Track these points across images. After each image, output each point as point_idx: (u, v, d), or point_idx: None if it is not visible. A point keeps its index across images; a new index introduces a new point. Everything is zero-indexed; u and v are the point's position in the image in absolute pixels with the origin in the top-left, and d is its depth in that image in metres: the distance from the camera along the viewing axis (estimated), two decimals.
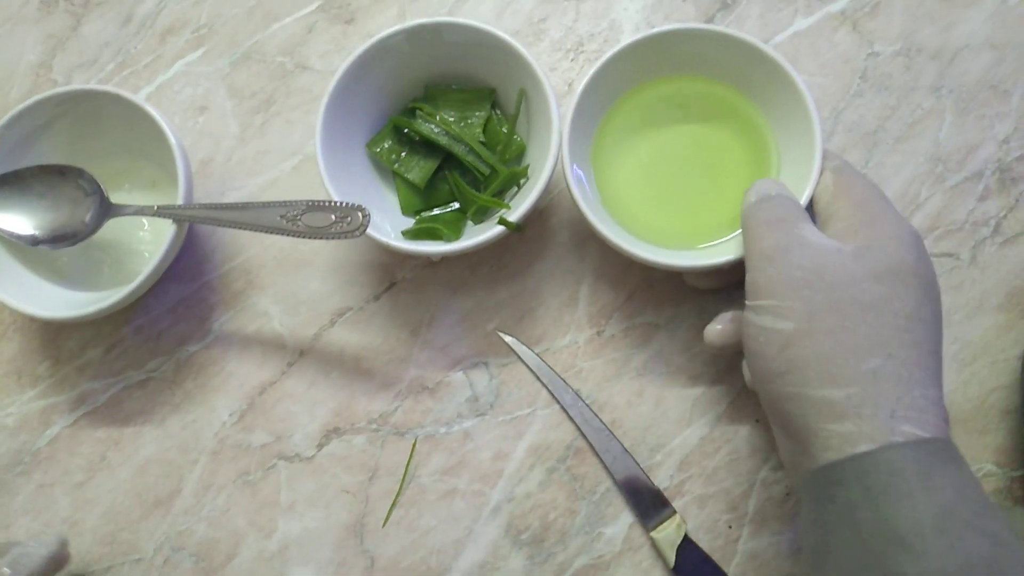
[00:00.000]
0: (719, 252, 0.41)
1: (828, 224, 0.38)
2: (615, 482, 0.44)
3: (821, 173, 0.39)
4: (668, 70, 0.45)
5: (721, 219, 0.43)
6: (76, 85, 0.47)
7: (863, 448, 0.31)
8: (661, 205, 0.44)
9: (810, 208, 0.39)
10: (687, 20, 0.51)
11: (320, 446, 0.46)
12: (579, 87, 0.42)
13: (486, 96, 0.47)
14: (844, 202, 0.38)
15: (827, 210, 0.38)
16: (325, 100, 0.43)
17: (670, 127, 0.45)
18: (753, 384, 0.37)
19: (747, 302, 0.36)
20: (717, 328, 0.41)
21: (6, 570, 0.40)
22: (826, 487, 0.32)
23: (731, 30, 0.42)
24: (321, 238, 0.41)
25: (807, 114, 0.41)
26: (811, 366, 0.33)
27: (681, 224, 0.44)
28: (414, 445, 0.46)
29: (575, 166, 0.42)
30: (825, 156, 0.40)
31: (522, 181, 0.46)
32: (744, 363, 0.40)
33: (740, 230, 0.42)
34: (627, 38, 0.43)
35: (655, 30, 0.43)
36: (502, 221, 0.42)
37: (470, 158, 0.46)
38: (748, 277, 0.36)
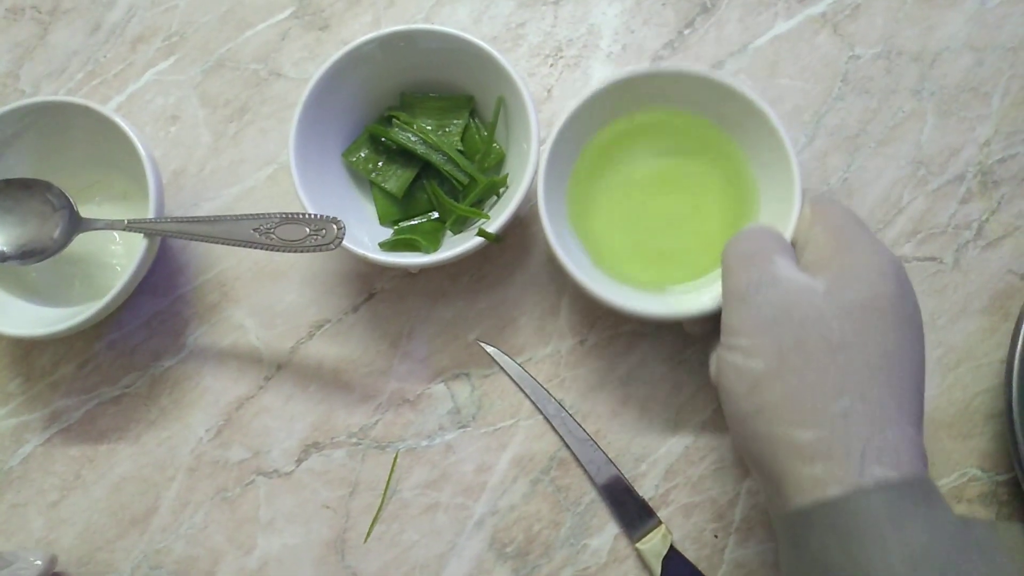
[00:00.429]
0: (700, 295, 0.41)
1: (804, 252, 0.37)
2: (600, 493, 0.44)
3: (801, 208, 0.39)
4: (644, 104, 0.43)
5: (702, 257, 0.43)
6: (42, 96, 0.46)
7: (833, 492, 0.30)
8: (640, 245, 0.44)
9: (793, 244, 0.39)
10: (666, 24, 0.50)
11: (299, 461, 0.46)
12: (554, 130, 0.41)
13: (464, 104, 0.46)
14: (820, 228, 0.37)
15: (804, 238, 0.37)
16: (298, 110, 0.42)
17: (648, 161, 0.44)
18: (727, 424, 0.37)
19: (721, 339, 0.36)
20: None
21: None
22: (799, 530, 0.32)
23: (701, 69, 0.41)
24: (295, 251, 0.40)
25: (784, 152, 0.40)
26: (781, 406, 0.32)
27: (661, 264, 0.43)
28: (395, 459, 0.45)
29: (549, 207, 0.41)
30: (805, 193, 0.39)
31: (501, 190, 0.45)
32: (712, 357, 0.39)
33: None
34: (596, 83, 0.42)
35: (626, 73, 0.41)
36: (481, 233, 0.41)
37: (448, 167, 0.45)
38: (723, 315, 0.36)
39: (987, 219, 0.46)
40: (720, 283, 0.37)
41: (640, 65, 0.41)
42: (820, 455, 0.31)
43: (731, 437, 0.36)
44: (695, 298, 0.41)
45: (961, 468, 0.44)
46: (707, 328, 0.41)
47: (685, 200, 0.44)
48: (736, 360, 0.34)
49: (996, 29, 0.49)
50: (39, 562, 0.42)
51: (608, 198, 0.44)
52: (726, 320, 0.35)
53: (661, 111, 0.44)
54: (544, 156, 0.41)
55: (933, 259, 0.46)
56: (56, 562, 0.44)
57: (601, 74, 0.50)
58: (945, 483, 0.43)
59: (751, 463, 0.35)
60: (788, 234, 0.38)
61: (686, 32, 0.50)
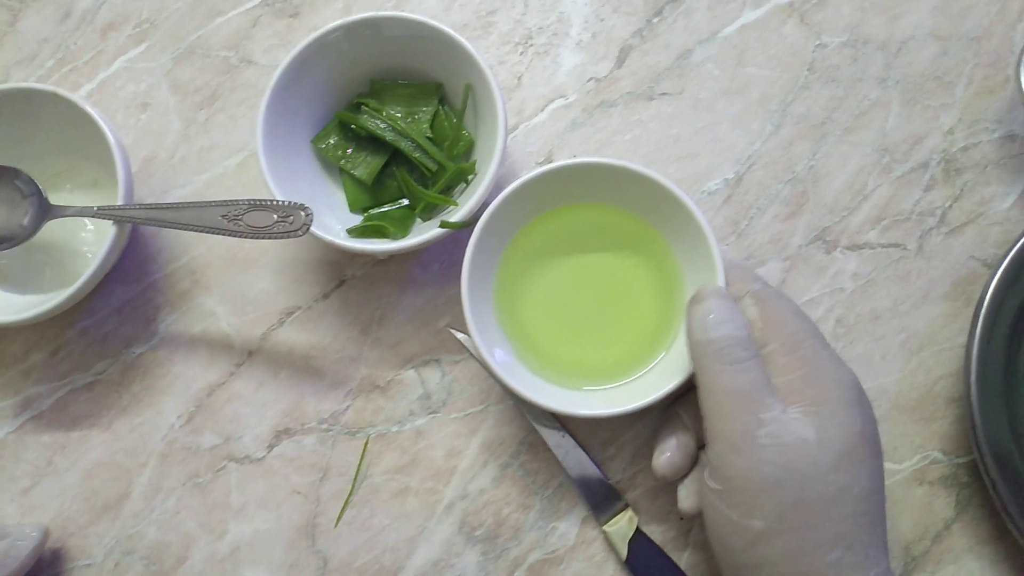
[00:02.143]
0: (628, 392, 0.42)
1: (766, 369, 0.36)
2: (568, 477, 0.44)
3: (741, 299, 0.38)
4: (568, 198, 0.43)
5: (631, 351, 0.43)
6: (12, 83, 0.46)
7: None
8: (568, 339, 0.44)
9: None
10: (635, 13, 0.51)
11: (270, 447, 0.46)
12: (479, 224, 0.41)
13: (433, 91, 0.47)
14: (778, 346, 0.36)
15: (762, 352, 0.37)
16: (266, 96, 0.43)
17: (574, 255, 0.44)
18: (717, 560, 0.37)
19: (710, 483, 0.35)
20: (666, 457, 0.40)
21: None
22: None
23: (622, 162, 0.41)
24: (263, 238, 0.40)
25: (706, 244, 0.39)
26: (779, 564, 0.33)
27: (589, 359, 0.43)
28: (366, 444, 0.46)
29: (473, 304, 0.40)
30: (745, 277, 0.39)
31: (470, 177, 0.46)
32: (681, 488, 0.40)
33: (647, 368, 0.42)
34: (525, 173, 0.41)
35: (551, 166, 0.41)
36: (444, 224, 0.42)
37: (417, 154, 0.45)
38: (711, 455, 0.35)
39: (950, 206, 0.47)
40: (647, 378, 0.40)
41: (563, 160, 0.41)
42: None
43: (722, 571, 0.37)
44: (622, 396, 0.42)
45: (923, 451, 0.44)
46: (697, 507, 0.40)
47: (612, 292, 0.44)
48: (733, 515, 0.34)
49: (960, 19, 0.49)
50: (35, 533, 0.42)
51: (534, 292, 0.44)
52: (720, 468, 0.35)
53: (586, 205, 0.44)
54: (469, 249, 0.40)
55: (897, 245, 0.47)
56: (49, 535, 0.44)
57: (570, 62, 0.50)
58: (908, 466, 0.44)
59: None
60: None
61: (655, 20, 0.50)
